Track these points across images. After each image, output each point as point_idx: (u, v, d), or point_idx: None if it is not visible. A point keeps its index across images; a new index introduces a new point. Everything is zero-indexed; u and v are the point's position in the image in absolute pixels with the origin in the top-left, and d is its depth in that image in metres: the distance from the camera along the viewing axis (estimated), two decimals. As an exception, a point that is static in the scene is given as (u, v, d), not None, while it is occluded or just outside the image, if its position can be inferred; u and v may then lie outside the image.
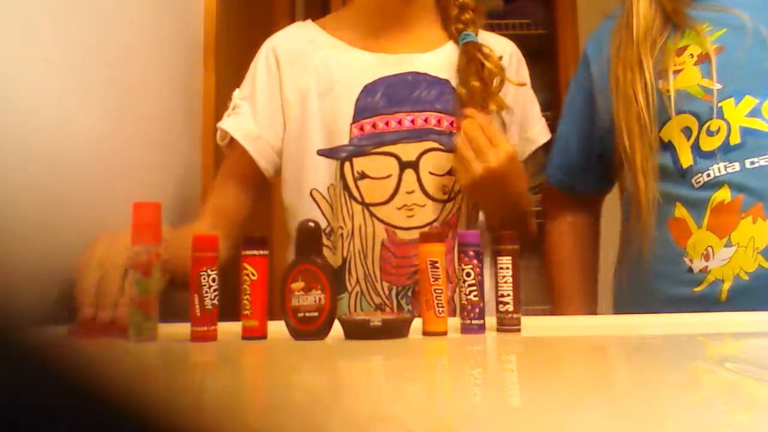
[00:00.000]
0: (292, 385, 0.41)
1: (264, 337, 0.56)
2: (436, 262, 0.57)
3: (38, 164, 0.62)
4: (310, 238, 0.56)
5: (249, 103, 0.88)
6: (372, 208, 0.83)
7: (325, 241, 0.84)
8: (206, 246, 0.56)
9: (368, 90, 0.85)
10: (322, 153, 0.84)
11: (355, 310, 0.82)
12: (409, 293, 0.82)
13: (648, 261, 0.80)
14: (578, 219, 0.98)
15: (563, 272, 0.94)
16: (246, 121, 0.88)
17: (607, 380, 0.41)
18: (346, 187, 0.84)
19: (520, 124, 0.93)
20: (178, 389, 0.34)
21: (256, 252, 0.56)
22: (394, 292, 0.82)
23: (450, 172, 0.83)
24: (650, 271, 0.80)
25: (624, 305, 0.88)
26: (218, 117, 1.12)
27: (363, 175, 0.83)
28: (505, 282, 0.58)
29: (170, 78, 1.00)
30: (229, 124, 0.88)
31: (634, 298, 0.85)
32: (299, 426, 0.28)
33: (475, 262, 0.57)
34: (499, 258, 0.58)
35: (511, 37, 1.00)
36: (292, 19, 2.01)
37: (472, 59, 0.86)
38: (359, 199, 0.83)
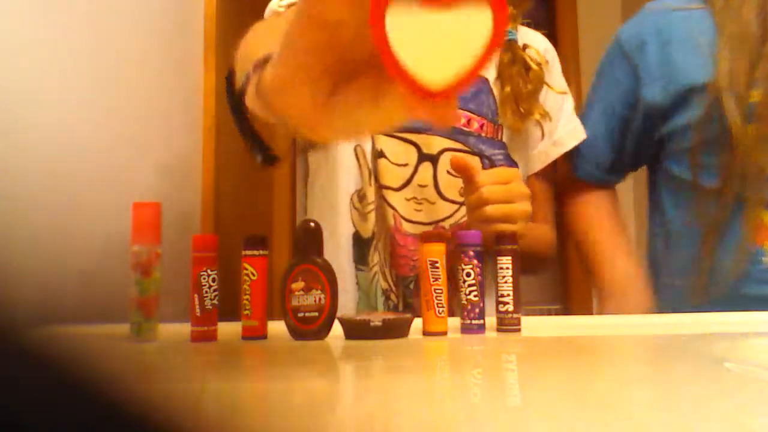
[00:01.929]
0: (292, 385, 0.41)
1: (264, 337, 0.56)
2: (436, 262, 0.57)
3: (38, 165, 0.62)
4: (310, 238, 0.56)
5: None
6: (383, 191, 0.80)
7: (356, 203, 0.81)
8: (206, 246, 0.56)
9: None
10: None
11: (374, 287, 0.80)
12: (411, 286, 0.80)
13: (719, 257, 0.79)
14: (603, 191, 0.97)
15: (598, 232, 0.92)
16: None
17: (607, 380, 0.41)
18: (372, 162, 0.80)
19: (551, 125, 0.88)
20: (177, 389, 0.34)
21: (256, 252, 0.56)
22: (400, 281, 0.81)
23: None
24: (719, 269, 0.79)
25: (677, 302, 0.86)
26: (218, 117, 1.13)
27: (381, 154, 0.80)
28: (505, 282, 0.58)
29: (170, 78, 1.00)
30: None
31: (692, 294, 0.83)
32: (299, 426, 0.28)
33: (475, 262, 0.57)
34: (499, 258, 0.58)
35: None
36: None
37: (516, 59, 0.82)
38: (376, 178, 0.80)
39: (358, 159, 0.80)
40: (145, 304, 0.54)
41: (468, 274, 0.57)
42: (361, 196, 0.81)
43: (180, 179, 1.02)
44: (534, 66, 0.82)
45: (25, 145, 0.60)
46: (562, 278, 2.34)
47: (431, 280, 0.57)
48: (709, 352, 0.49)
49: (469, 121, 0.81)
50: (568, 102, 0.90)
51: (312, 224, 0.57)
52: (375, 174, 0.80)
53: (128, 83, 0.84)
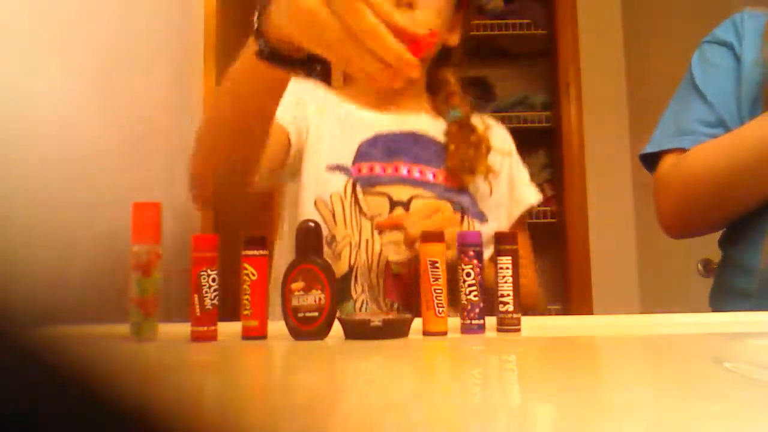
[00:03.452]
0: (292, 385, 0.41)
1: (264, 337, 0.56)
2: (436, 262, 0.57)
3: (39, 165, 0.62)
4: (310, 238, 0.56)
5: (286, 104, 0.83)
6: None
7: (325, 248, 0.85)
8: (206, 246, 0.56)
9: (370, 142, 0.89)
10: (332, 167, 0.86)
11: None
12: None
13: None
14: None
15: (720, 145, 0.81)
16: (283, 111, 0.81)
17: (607, 380, 0.41)
18: (356, 201, 0.86)
19: (510, 187, 0.99)
20: (178, 389, 0.34)
21: (256, 252, 0.56)
22: (396, 306, 0.84)
23: None
24: None
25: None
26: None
27: (357, 202, 0.86)
28: (505, 282, 0.58)
29: (170, 78, 1.00)
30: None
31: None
32: (299, 426, 0.28)
33: (475, 262, 0.57)
34: (499, 258, 0.58)
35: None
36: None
37: (463, 126, 0.93)
38: (367, 215, 0.85)
39: (319, 211, 0.85)
40: (145, 304, 0.54)
41: (468, 274, 0.57)
42: (329, 240, 0.85)
43: (180, 179, 1.02)
44: (478, 130, 0.94)
45: (25, 145, 0.60)
46: (562, 278, 2.34)
47: (431, 280, 0.57)
48: (709, 352, 0.49)
49: (434, 175, 0.90)
50: (524, 169, 1.02)
51: (312, 224, 0.57)
52: (364, 210, 0.85)
53: (128, 83, 0.84)
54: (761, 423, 0.28)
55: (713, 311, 0.88)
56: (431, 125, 0.95)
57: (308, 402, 0.34)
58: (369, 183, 0.86)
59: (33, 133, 0.62)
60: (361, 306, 0.84)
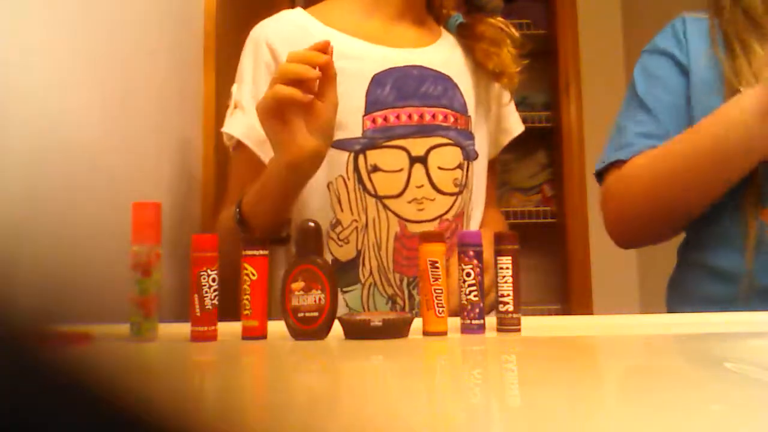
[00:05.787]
0: (292, 385, 0.41)
1: (264, 337, 0.56)
2: (436, 262, 0.57)
3: (38, 164, 0.62)
4: (310, 238, 0.56)
5: (251, 100, 0.84)
6: (385, 201, 0.83)
7: (331, 234, 0.84)
8: (206, 246, 0.56)
9: (377, 81, 0.85)
10: (335, 145, 0.79)
11: (368, 302, 0.83)
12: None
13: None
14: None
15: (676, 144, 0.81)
16: (251, 121, 0.83)
17: (607, 380, 0.41)
18: (360, 180, 0.83)
19: (497, 115, 0.96)
20: (178, 389, 0.34)
21: (256, 252, 0.56)
22: (405, 282, 0.83)
23: (459, 166, 0.86)
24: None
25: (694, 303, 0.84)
26: (218, 117, 1.12)
27: (376, 168, 0.83)
28: (505, 282, 0.58)
29: (169, 78, 1.00)
30: (234, 127, 0.86)
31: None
32: (299, 426, 0.28)
33: (475, 262, 0.57)
34: (499, 258, 0.58)
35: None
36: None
37: (498, 28, 0.90)
38: (373, 192, 0.83)
39: (330, 193, 0.84)
40: (145, 304, 0.54)
41: (468, 274, 0.57)
42: (334, 224, 0.84)
43: (180, 179, 1.02)
44: (513, 32, 0.91)
45: (25, 144, 0.60)
46: (562, 278, 2.34)
47: (431, 280, 0.57)
48: (709, 352, 0.49)
49: (445, 117, 0.86)
50: (508, 95, 0.99)
51: (312, 224, 0.57)
52: (373, 188, 0.83)
53: (127, 83, 0.84)
54: (761, 423, 0.28)
55: None
56: (436, 55, 0.90)
57: (308, 402, 0.34)
58: (385, 136, 0.83)
59: (32, 132, 0.62)
60: (369, 290, 0.83)
